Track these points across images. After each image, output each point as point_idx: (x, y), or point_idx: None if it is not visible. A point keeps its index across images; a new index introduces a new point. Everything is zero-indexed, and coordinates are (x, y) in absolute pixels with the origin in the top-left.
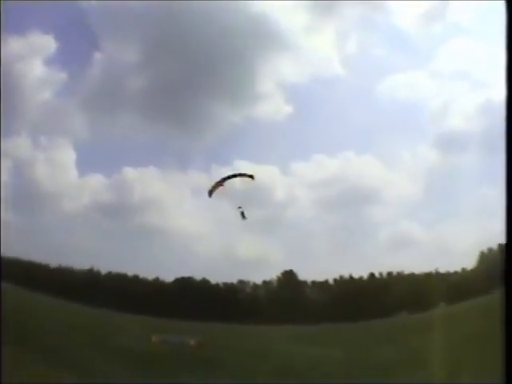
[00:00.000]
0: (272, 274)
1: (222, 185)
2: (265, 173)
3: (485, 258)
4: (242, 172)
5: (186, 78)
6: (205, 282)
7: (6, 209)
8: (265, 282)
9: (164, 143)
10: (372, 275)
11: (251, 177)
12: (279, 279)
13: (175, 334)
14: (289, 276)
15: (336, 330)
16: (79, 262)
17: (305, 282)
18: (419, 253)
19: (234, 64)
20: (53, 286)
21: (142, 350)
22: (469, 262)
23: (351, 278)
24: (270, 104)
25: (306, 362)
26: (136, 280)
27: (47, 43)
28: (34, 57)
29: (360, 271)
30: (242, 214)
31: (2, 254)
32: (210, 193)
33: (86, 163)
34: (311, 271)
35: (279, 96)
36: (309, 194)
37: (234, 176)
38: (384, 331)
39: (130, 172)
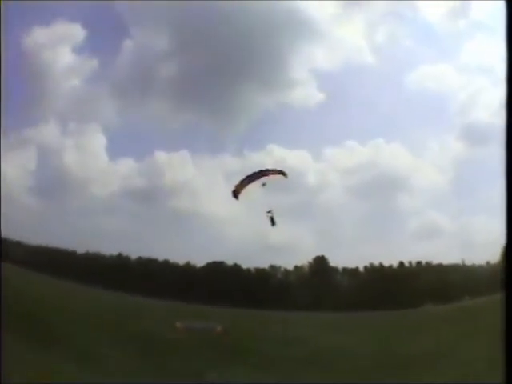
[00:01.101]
0: (303, 259)
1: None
2: (297, 158)
3: None
4: (275, 159)
5: (218, 64)
6: (236, 267)
7: (34, 197)
8: (296, 268)
9: (196, 128)
10: (401, 264)
11: (283, 173)
12: (310, 265)
13: (201, 321)
14: (320, 262)
15: (365, 318)
16: (109, 247)
17: (335, 269)
18: (446, 243)
19: (266, 50)
20: (80, 273)
21: (165, 336)
22: (494, 255)
23: (381, 265)
24: (303, 90)
25: (332, 351)
26: (166, 265)
27: (75, 31)
28: (62, 45)
29: (390, 259)
30: (272, 219)
31: (29, 242)
32: (236, 193)
33: (117, 148)
34: (342, 258)
35: (311, 83)
36: (340, 180)
37: (263, 175)
38: (411, 321)
39: (161, 156)
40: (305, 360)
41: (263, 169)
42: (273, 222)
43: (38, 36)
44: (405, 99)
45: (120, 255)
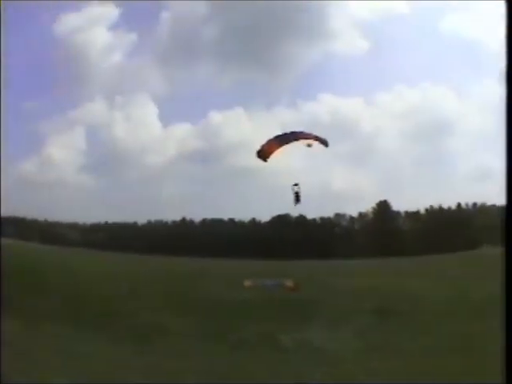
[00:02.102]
0: (366, 205)
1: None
2: (349, 105)
3: None
4: (328, 108)
5: (259, 21)
6: (301, 217)
7: (88, 175)
8: (360, 215)
9: (246, 84)
10: (459, 206)
11: (321, 140)
12: (374, 210)
13: (270, 277)
14: (383, 207)
15: (430, 262)
16: (172, 213)
17: (398, 213)
18: (499, 185)
19: (305, 4)
20: (143, 244)
21: (234, 296)
22: None
23: (440, 208)
24: (346, 40)
25: (406, 297)
26: (232, 224)
27: (108, 11)
28: (97, 25)
29: (448, 201)
30: (297, 195)
31: (87, 221)
32: (261, 154)
33: (169, 115)
34: (403, 201)
35: (354, 32)
36: (393, 124)
37: (297, 137)
38: (473, 264)
39: (215, 116)
40: (380, 310)
41: (297, 131)
42: (297, 199)
43: (71, 21)
44: (444, 45)
45: (184, 220)
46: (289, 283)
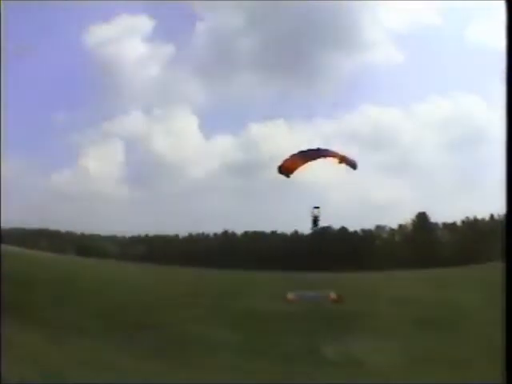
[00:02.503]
0: (405, 216)
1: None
2: (388, 115)
3: None
4: (366, 116)
5: (296, 33)
6: (343, 230)
7: (126, 188)
8: (400, 226)
9: (286, 95)
10: (491, 216)
11: (346, 161)
12: (414, 222)
13: (313, 289)
14: (422, 218)
15: (469, 272)
16: (213, 226)
17: (436, 224)
18: None
19: (340, 15)
20: (184, 256)
21: (276, 309)
22: None
23: (475, 219)
24: (381, 51)
25: (449, 308)
26: (274, 236)
27: (141, 23)
28: (130, 37)
29: (483, 212)
30: (316, 218)
31: (127, 234)
32: (285, 170)
33: (210, 126)
34: (440, 213)
35: (388, 43)
36: (429, 134)
37: (322, 155)
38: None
39: (256, 127)
40: (424, 320)
41: (322, 147)
42: (315, 223)
43: (102, 32)
44: (473, 54)
45: (226, 233)
46: (332, 295)
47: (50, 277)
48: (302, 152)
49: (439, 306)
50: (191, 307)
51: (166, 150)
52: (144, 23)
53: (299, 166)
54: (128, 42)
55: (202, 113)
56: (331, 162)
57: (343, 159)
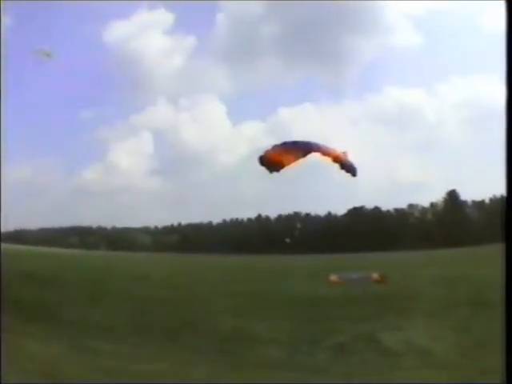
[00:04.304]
0: (435, 195)
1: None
2: (412, 96)
3: None
4: (392, 97)
5: (317, 18)
6: (377, 209)
7: (157, 179)
8: (432, 205)
9: (312, 80)
10: None
11: (335, 159)
12: (445, 200)
13: (352, 271)
14: (452, 196)
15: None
16: (247, 211)
17: (465, 202)
18: None
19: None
20: (219, 243)
21: (320, 293)
22: None
23: (503, 196)
24: (402, 34)
25: (496, 286)
26: (308, 218)
27: (160, 17)
28: (150, 31)
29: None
30: (295, 233)
31: (159, 224)
32: (264, 161)
33: (238, 113)
34: (468, 191)
35: (408, 27)
36: (453, 114)
37: (310, 150)
38: None
39: (284, 112)
40: (476, 301)
41: (312, 142)
42: (293, 236)
43: (123, 29)
44: (488, 36)
45: (259, 217)
46: (375, 276)
47: (77, 274)
48: (285, 144)
49: (487, 284)
50: (231, 297)
51: (195, 138)
52: (164, 18)
53: (288, 161)
54: (150, 37)
55: (230, 100)
56: (324, 159)
57: (338, 159)
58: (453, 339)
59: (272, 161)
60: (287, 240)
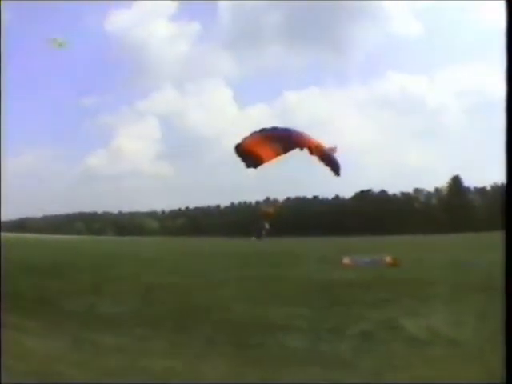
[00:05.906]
0: (439, 180)
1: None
2: (414, 82)
3: None
4: (395, 82)
5: (322, 4)
6: (383, 193)
7: (165, 163)
8: (437, 190)
9: (317, 64)
10: None
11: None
12: (450, 185)
13: (363, 254)
14: (456, 182)
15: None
16: (254, 194)
17: (468, 188)
18: None
19: None
20: (228, 225)
21: (334, 276)
22: None
23: (503, 184)
24: (403, 22)
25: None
26: (316, 201)
27: (163, 4)
28: (155, 19)
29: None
30: (263, 231)
31: (166, 208)
32: (240, 150)
33: (244, 97)
34: (471, 177)
35: (408, 15)
36: (455, 100)
37: (293, 142)
38: None
39: (290, 95)
40: (488, 286)
41: (292, 129)
42: (259, 234)
43: (127, 18)
44: (486, 25)
45: (267, 200)
46: (388, 259)
47: (82, 261)
48: (264, 130)
49: (498, 270)
50: (244, 281)
51: (202, 123)
52: (167, 5)
53: (268, 157)
54: (154, 24)
55: (235, 84)
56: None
57: (317, 149)
58: (474, 326)
59: (249, 152)
60: (253, 239)
